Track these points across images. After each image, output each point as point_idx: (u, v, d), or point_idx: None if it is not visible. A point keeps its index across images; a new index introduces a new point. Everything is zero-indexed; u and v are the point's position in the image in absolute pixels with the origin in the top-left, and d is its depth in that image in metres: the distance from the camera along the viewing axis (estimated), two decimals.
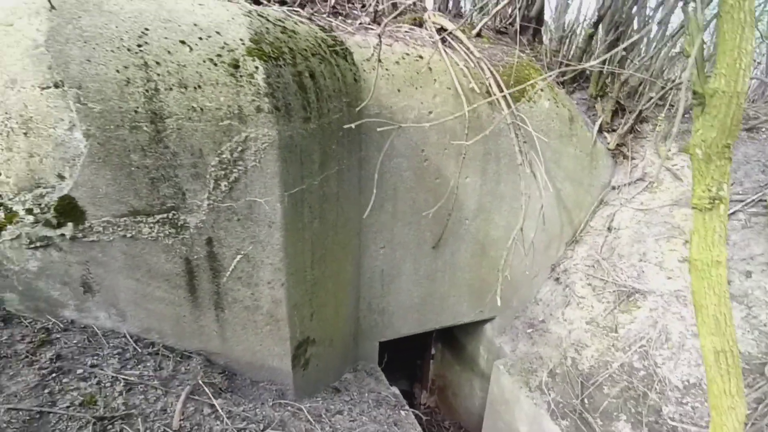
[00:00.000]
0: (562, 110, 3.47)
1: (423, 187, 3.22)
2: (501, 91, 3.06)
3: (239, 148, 2.00)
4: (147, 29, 1.87)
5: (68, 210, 1.84)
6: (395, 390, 3.40)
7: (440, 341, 5.06)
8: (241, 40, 2.01)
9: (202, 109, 1.90)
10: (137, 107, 1.81)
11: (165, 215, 1.99)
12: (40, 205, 1.81)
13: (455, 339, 4.70)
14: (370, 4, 3.25)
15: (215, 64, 1.93)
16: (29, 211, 1.80)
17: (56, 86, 1.71)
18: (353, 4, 3.33)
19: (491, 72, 3.06)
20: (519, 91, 3.25)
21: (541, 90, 3.35)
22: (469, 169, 3.29)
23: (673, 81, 3.56)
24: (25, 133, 1.74)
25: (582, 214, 3.88)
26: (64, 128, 1.74)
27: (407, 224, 3.29)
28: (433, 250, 3.46)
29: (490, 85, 3.10)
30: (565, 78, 3.72)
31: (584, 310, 3.51)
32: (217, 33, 1.98)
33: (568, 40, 3.77)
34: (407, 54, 3.03)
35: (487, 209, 3.51)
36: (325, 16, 3.10)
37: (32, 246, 1.83)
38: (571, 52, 3.86)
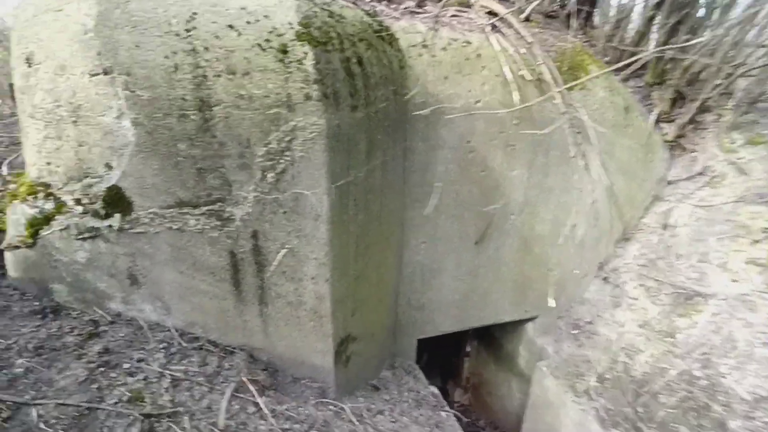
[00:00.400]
0: (617, 99, 3.25)
1: (468, 179, 3.07)
2: (554, 78, 2.87)
3: (287, 138, 1.91)
4: (195, 13, 1.79)
5: (116, 200, 1.79)
6: (434, 389, 3.30)
7: (476, 338, 4.92)
8: (289, 23, 1.91)
9: (250, 97, 1.82)
10: (185, 94, 1.74)
11: (211, 207, 1.93)
12: (88, 195, 1.77)
13: (492, 336, 4.56)
14: None
15: (263, 50, 1.84)
16: (78, 202, 1.77)
17: (105, 73, 1.66)
18: None
19: (544, 59, 2.88)
20: (572, 78, 3.05)
21: (597, 78, 3.14)
22: (517, 160, 3.13)
23: (742, 66, 3.27)
24: (74, 122, 1.69)
25: (634, 209, 3.66)
26: (112, 116, 1.69)
27: (450, 218, 3.16)
28: (476, 245, 3.32)
29: (542, 72, 2.91)
30: (620, 64, 3.48)
31: (636, 313, 3.31)
32: (266, 17, 1.89)
33: (623, 23, 3.52)
34: (454, 39, 2.87)
35: (534, 203, 3.34)
36: (368, 0, 2.97)
37: (80, 237, 1.79)
38: (628, 37, 3.61)
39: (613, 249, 3.76)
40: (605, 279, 3.72)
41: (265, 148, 1.90)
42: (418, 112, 2.74)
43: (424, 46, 2.78)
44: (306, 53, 1.89)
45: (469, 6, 3.23)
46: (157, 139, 1.76)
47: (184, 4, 1.79)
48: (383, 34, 2.61)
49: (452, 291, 3.45)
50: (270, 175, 1.95)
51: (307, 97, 1.89)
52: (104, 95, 1.67)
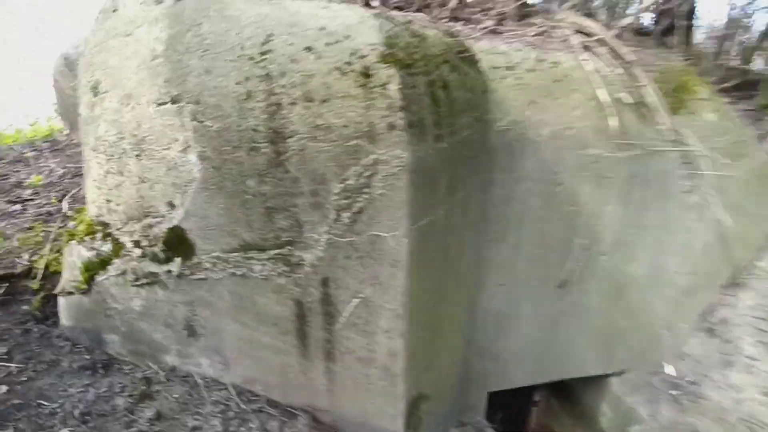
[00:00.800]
0: (726, 124, 2.82)
1: (553, 215, 2.71)
2: (658, 101, 2.49)
3: (366, 173, 1.66)
4: (271, 35, 1.60)
5: (177, 243, 1.60)
6: None
7: (546, 386, 4.41)
8: (371, 45, 1.68)
9: (328, 127, 1.59)
10: (257, 125, 1.54)
11: (279, 251, 1.69)
12: (148, 236, 1.59)
13: (567, 387, 4.05)
14: (493, 8, 2.84)
15: (344, 74, 1.62)
16: (136, 244, 1.59)
17: (173, 101, 1.49)
18: (473, 8, 2.95)
19: (646, 79, 2.51)
20: (677, 101, 2.66)
21: (704, 100, 2.72)
22: (610, 194, 2.74)
23: None
24: (137, 155, 1.53)
25: (746, 251, 3.14)
26: (177, 150, 1.51)
27: (531, 259, 2.80)
28: (559, 289, 2.92)
29: (643, 95, 2.55)
30: (726, 85, 3.04)
31: (758, 377, 2.77)
32: (347, 37, 1.67)
33: (731, 38, 3.10)
34: (541, 60, 2.58)
35: (628, 243, 2.91)
36: (444, 21, 2.75)
37: (138, 283, 1.61)
38: (734, 54, 3.17)
39: (719, 296, 3.23)
40: (710, 331, 3.19)
41: (341, 185, 1.66)
42: (500, 141, 2.44)
43: (508, 68, 2.50)
44: (391, 77, 1.65)
45: (552, 24, 2.93)
46: (225, 175, 1.55)
47: (259, 25, 1.61)
48: (465, 55, 2.35)
49: (530, 340, 3.05)
50: (345, 216, 1.70)
51: (391, 127, 1.64)
52: (170, 126, 1.50)
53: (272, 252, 1.69)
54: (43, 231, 1.98)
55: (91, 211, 1.64)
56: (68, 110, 4.66)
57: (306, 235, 1.70)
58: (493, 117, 2.40)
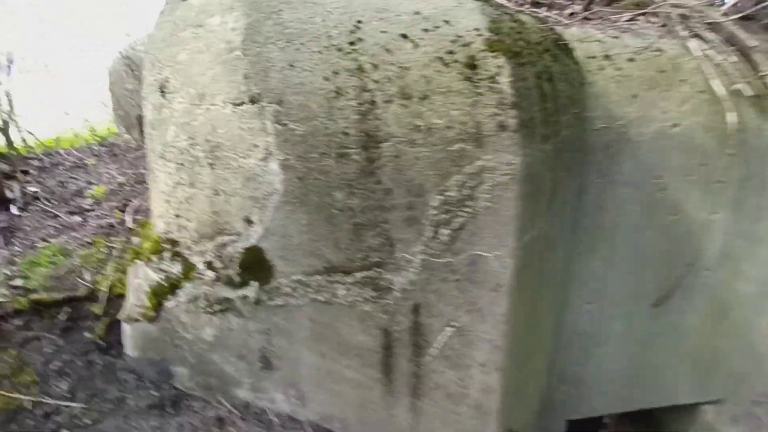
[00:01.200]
0: None
1: (652, 225, 2.38)
2: None
3: (470, 183, 1.41)
4: (360, 22, 1.36)
5: (254, 265, 1.39)
6: None
7: None
8: (476, 29, 1.42)
9: (428, 129, 1.34)
10: (347, 127, 1.31)
11: (366, 273, 1.46)
12: (221, 257, 1.39)
13: (647, 411, 3.66)
14: None
15: (446, 65, 1.37)
16: (209, 265, 1.39)
17: (252, 101, 1.27)
18: None
19: None
20: None
21: None
22: (720, 201, 2.38)
23: None
24: (210, 164, 1.32)
25: None
26: (257, 157, 1.29)
27: (623, 274, 2.47)
28: (654, 308, 2.57)
29: (766, 85, 2.17)
30: None
31: None
32: (445, 22, 1.42)
33: None
34: (642, 48, 2.25)
35: (736, 256, 2.53)
36: (525, 6, 2.45)
37: (210, 310, 1.41)
38: None
39: None
40: None
41: (441, 197, 1.40)
42: (597, 141, 2.13)
43: (606, 57, 2.18)
44: (500, 67, 1.38)
45: (647, 7, 2.58)
46: (309, 187, 1.33)
47: (345, 10, 1.37)
48: (560, 43, 2.06)
49: (616, 364, 2.72)
50: (444, 233, 1.45)
51: (501, 127, 1.38)
52: (249, 130, 1.29)
53: (359, 275, 1.45)
54: (106, 247, 1.83)
55: (158, 226, 1.46)
56: (126, 113, 4.61)
57: (398, 255, 1.45)
58: (591, 114, 2.10)
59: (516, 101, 1.40)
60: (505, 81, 1.38)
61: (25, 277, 1.71)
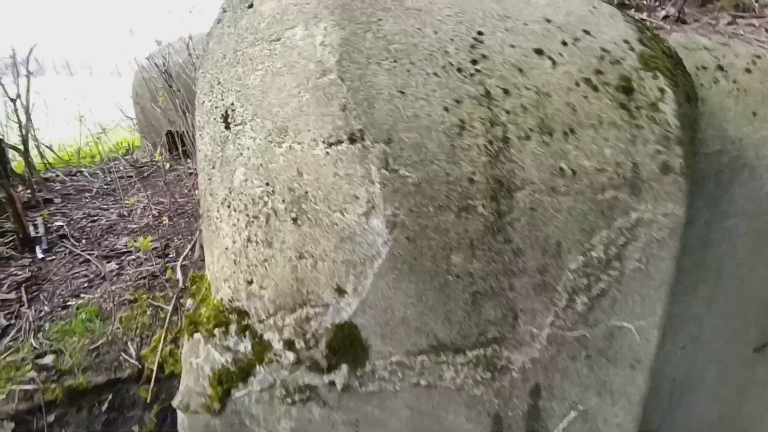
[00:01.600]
0: None
1: (763, 259, 2.06)
2: None
3: (620, 239, 1.10)
4: (481, 33, 1.05)
5: (346, 344, 1.08)
6: None
7: None
8: (626, 42, 1.11)
9: (573, 172, 1.03)
10: (473, 172, 1.00)
11: (480, 351, 1.15)
12: (304, 334, 1.08)
13: None
14: None
15: (594, 88, 1.05)
16: (288, 344, 1.09)
17: (352, 140, 0.96)
18: None
19: None
20: None
21: None
22: None
23: None
24: (294, 219, 1.02)
25: None
26: (357, 212, 0.99)
27: (724, 316, 2.15)
28: (755, 353, 2.25)
29: None
30: None
31: None
32: (586, 32, 1.11)
33: None
34: (757, 56, 1.92)
35: None
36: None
37: (288, 400, 1.11)
38: None
39: None
40: None
41: (582, 258, 1.09)
42: (708, 167, 1.82)
43: (719, 68, 1.87)
44: (662, 91, 1.07)
45: (747, 11, 2.26)
46: (422, 249, 1.02)
47: (460, 18, 1.06)
48: (669, 53, 1.74)
49: (706, 413, 2.40)
50: (581, 300, 1.14)
51: (666, 169, 1.07)
52: (347, 177, 0.98)
53: (472, 353, 1.15)
54: (150, 306, 1.53)
55: (222, 292, 1.16)
56: (153, 129, 4.30)
57: (521, 328, 1.15)
58: (702, 135, 1.78)
59: (681, 136, 1.08)
60: (669, 109, 1.07)
61: (58, 352, 1.41)
